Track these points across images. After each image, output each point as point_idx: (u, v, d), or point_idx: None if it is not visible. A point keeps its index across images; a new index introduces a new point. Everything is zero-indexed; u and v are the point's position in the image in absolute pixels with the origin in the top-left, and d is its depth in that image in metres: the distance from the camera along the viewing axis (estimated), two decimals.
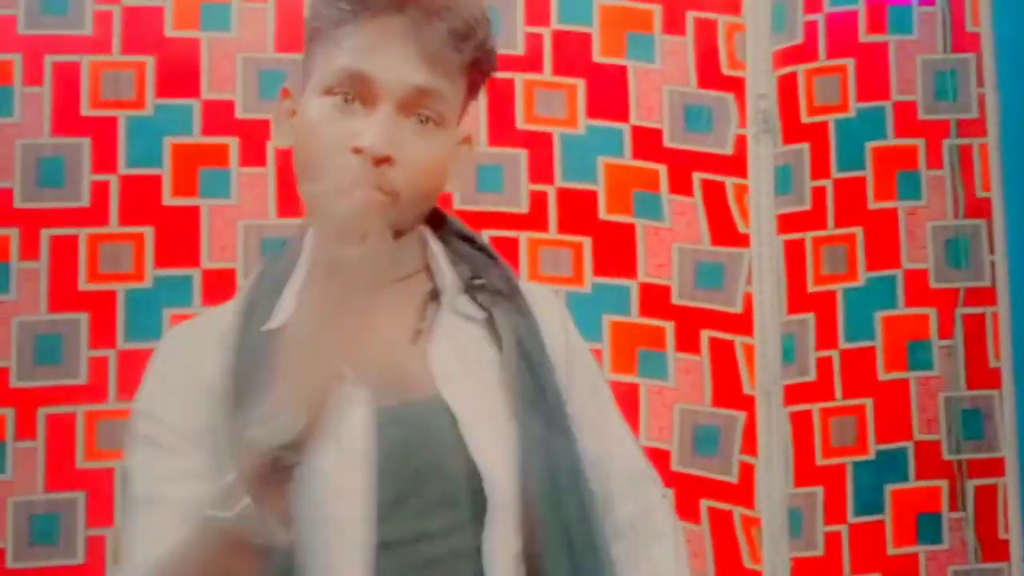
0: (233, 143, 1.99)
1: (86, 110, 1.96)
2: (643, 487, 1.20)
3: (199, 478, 0.97)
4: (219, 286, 1.95)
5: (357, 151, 0.98)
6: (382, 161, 0.97)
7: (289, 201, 1.99)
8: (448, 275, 1.10)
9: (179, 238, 1.96)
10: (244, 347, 1.03)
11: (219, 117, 1.99)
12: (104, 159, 1.95)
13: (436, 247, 1.12)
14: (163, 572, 0.96)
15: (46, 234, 1.92)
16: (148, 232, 1.95)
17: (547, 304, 1.18)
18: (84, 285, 1.92)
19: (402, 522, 1.00)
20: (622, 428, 1.23)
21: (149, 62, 1.98)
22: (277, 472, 0.87)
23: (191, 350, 1.07)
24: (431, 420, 1.03)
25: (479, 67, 1.07)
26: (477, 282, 1.11)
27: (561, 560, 1.03)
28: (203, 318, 1.17)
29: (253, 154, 2.00)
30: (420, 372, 1.05)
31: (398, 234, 1.03)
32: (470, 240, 1.15)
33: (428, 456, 1.02)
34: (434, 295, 1.10)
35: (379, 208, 0.96)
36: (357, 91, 0.99)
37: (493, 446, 1.02)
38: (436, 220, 1.14)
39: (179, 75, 1.99)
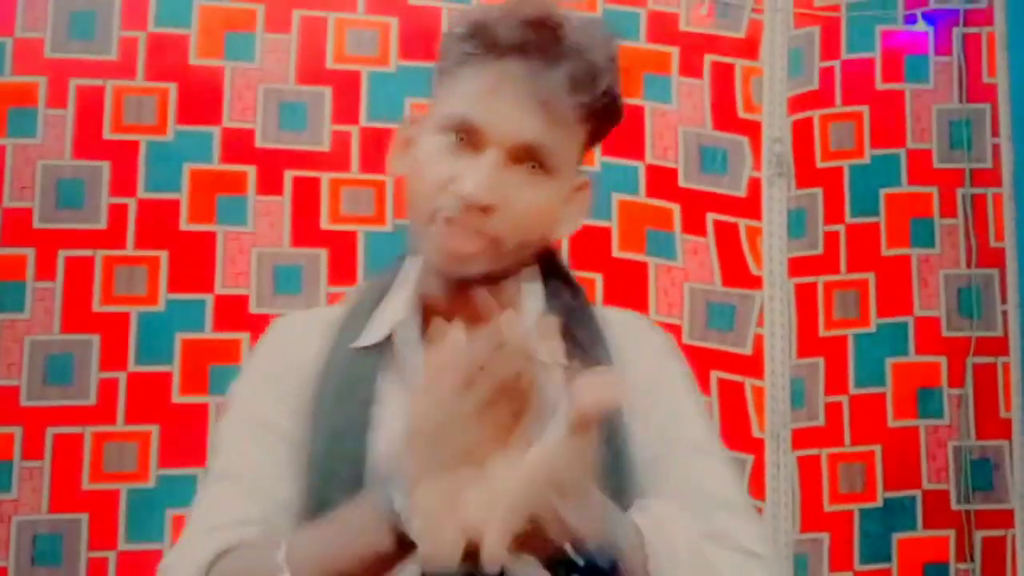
0: (251, 171, 2.01)
1: (108, 134, 1.99)
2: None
3: (265, 464, 1.02)
4: (231, 312, 1.97)
5: (458, 195, 0.95)
6: (481, 210, 0.95)
7: (303, 230, 2.01)
8: (531, 321, 1.02)
9: (194, 263, 1.97)
10: (332, 361, 1.04)
11: (238, 145, 2.02)
12: (123, 183, 1.97)
13: (531, 288, 1.07)
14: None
15: (62, 255, 1.94)
16: (163, 256, 1.97)
17: (640, 342, 1.09)
18: (98, 307, 1.94)
19: None
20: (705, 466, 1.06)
21: (172, 88, 2.01)
22: None
23: (288, 344, 1.09)
24: None
25: (601, 114, 1.01)
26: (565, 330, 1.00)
27: None
28: (311, 315, 1.15)
29: (270, 183, 2.02)
30: None
31: (500, 276, 1.01)
32: (571, 287, 1.09)
33: None
34: None
35: (478, 254, 0.96)
36: (468, 136, 0.97)
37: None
38: (543, 257, 1.09)
39: (201, 102, 2.02)
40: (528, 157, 0.97)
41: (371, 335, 1.04)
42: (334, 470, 0.99)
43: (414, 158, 1.01)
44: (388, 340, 1.04)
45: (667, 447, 1.04)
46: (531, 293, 1.07)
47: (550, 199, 0.99)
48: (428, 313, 1.05)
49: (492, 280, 1.00)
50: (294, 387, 1.05)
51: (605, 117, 1.02)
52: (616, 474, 0.98)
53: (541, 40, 0.96)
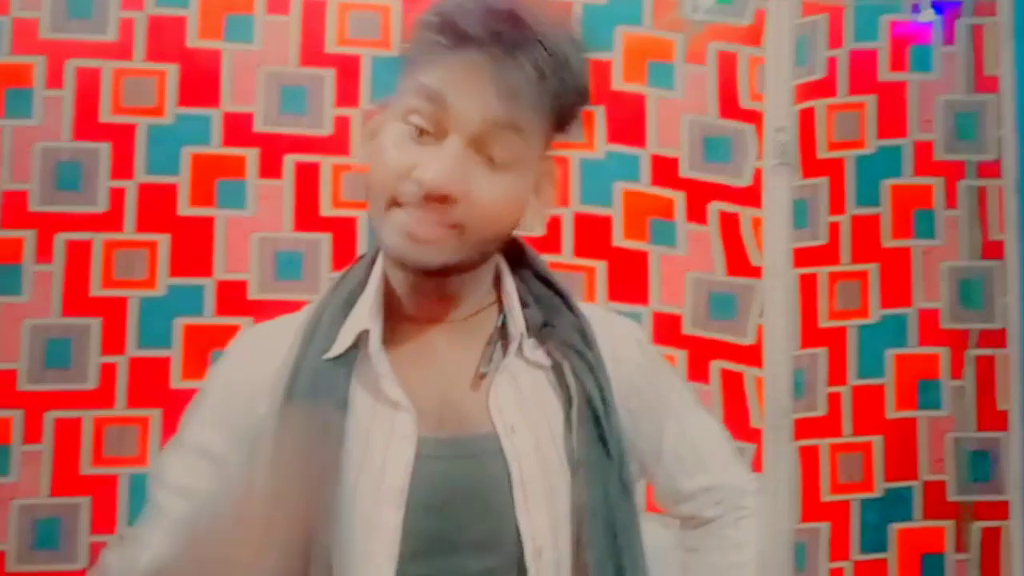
0: (251, 155, 2.00)
1: (106, 116, 1.97)
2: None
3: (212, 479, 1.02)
4: (231, 297, 1.96)
5: (419, 182, 0.94)
6: (441, 200, 0.93)
7: (304, 215, 2.00)
8: (518, 318, 1.05)
9: (193, 248, 1.96)
10: (300, 372, 1.01)
11: (238, 129, 2.00)
12: (122, 165, 1.96)
13: (510, 284, 1.07)
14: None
15: (61, 238, 1.92)
16: (163, 240, 1.95)
17: (622, 338, 1.13)
18: (97, 291, 1.93)
19: (438, 559, 0.98)
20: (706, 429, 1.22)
21: (171, 70, 1.99)
22: None
23: (258, 358, 1.06)
24: (482, 461, 1.00)
25: (567, 102, 1.00)
26: (547, 329, 1.06)
27: None
28: (277, 326, 1.10)
29: (271, 167, 2.00)
30: (480, 415, 1.01)
31: (467, 267, 1.01)
32: (547, 281, 1.10)
33: (473, 496, 0.99)
34: (502, 334, 1.05)
35: (439, 241, 0.95)
36: (430, 118, 0.95)
37: (541, 506, 1.00)
38: (516, 254, 1.10)
39: (200, 85, 2.00)
40: (491, 142, 0.95)
41: (338, 345, 1.02)
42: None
43: (376, 147, 1.00)
44: (356, 346, 1.03)
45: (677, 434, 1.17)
46: (510, 289, 1.07)
47: (515, 191, 0.99)
48: (394, 314, 1.05)
49: (459, 271, 1.00)
50: (244, 408, 1.03)
51: (572, 104, 1.01)
52: (622, 465, 1.05)
53: (506, 30, 0.95)
